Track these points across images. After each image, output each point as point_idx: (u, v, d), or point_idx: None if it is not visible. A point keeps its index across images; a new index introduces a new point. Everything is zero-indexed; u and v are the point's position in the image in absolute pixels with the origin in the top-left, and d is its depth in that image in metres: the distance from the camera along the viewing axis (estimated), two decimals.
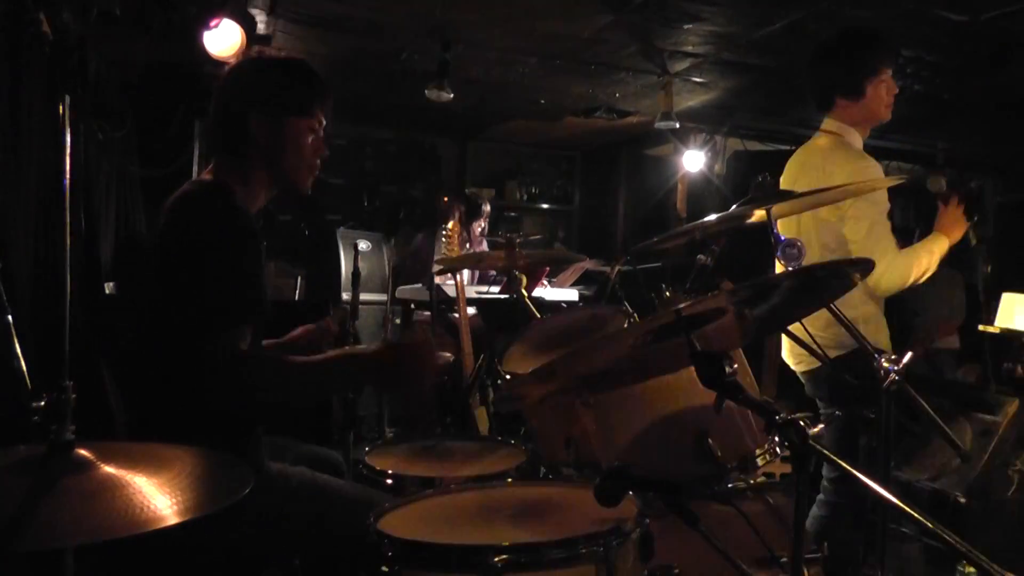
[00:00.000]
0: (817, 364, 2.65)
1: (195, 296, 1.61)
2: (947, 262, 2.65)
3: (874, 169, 2.55)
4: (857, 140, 2.64)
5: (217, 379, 1.58)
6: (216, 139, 1.84)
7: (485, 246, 5.19)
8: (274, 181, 1.84)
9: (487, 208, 5.18)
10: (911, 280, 2.50)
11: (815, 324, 2.44)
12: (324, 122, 1.86)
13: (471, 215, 4.94)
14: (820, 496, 2.74)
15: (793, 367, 2.85)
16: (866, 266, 1.66)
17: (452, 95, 4.29)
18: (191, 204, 1.71)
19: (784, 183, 2.74)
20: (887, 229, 2.50)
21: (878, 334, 2.67)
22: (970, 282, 4.49)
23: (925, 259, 2.51)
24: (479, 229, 5.11)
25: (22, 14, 2.40)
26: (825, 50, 2.70)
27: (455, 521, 1.52)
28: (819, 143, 2.70)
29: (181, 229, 1.69)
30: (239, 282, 1.63)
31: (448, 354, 2.76)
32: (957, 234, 2.55)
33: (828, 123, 2.68)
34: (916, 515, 1.05)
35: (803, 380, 2.85)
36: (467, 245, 4.95)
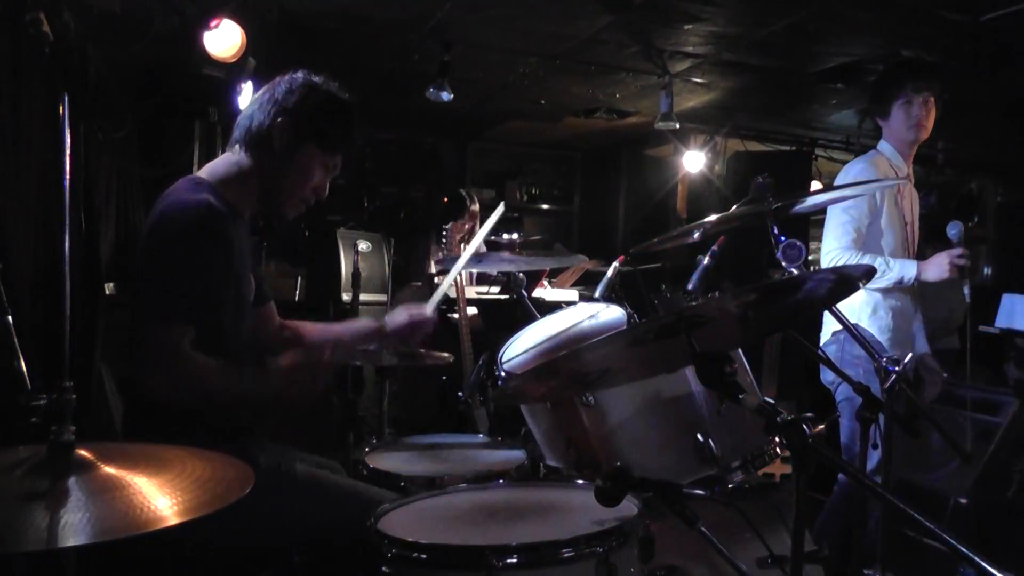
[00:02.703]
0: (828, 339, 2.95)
1: (146, 290, 1.65)
2: None
3: (860, 169, 2.88)
4: (894, 155, 2.96)
5: (154, 373, 1.60)
6: (239, 129, 1.85)
7: (480, 246, 5.13)
8: (263, 194, 1.84)
9: (475, 208, 5.09)
10: None
11: None
12: (337, 169, 1.89)
13: (455, 214, 4.85)
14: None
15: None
16: (869, 272, 1.67)
17: (452, 96, 4.29)
18: (166, 201, 1.73)
19: None
20: (847, 227, 2.82)
21: (875, 322, 2.86)
22: (971, 283, 4.50)
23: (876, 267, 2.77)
24: (466, 227, 5.02)
25: (22, 14, 2.40)
26: (873, 81, 3.17)
27: (455, 521, 1.52)
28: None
29: (150, 225, 1.72)
30: (187, 280, 1.64)
31: (447, 354, 2.76)
32: (930, 275, 2.77)
33: (880, 143, 3.04)
34: (916, 515, 1.05)
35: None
36: (463, 246, 4.92)
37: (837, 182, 2.99)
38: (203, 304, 1.65)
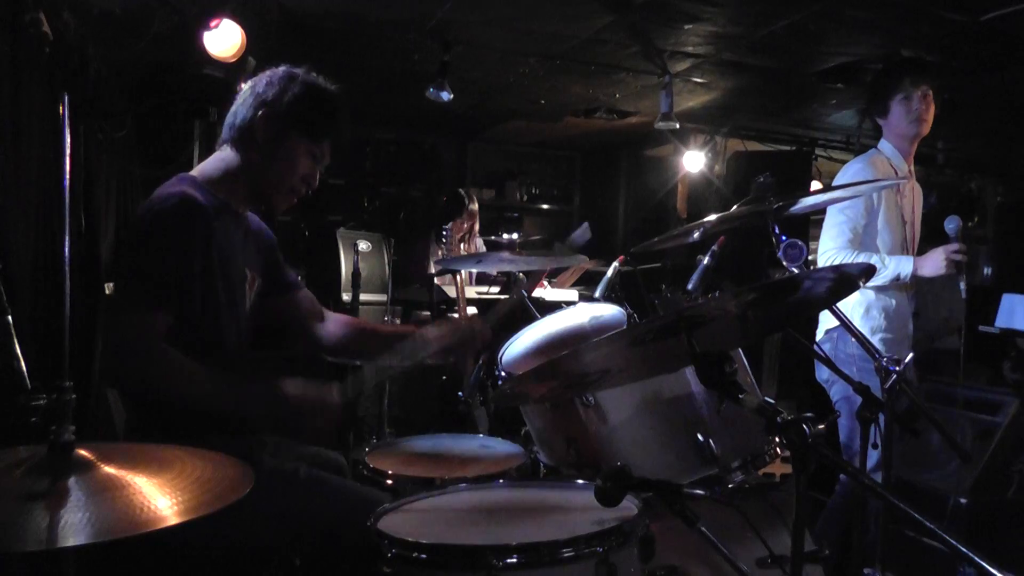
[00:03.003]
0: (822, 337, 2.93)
1: (119, 280, 1.67)
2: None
3: (860, 168, 2.88)
4: (894, 154, 2.94)
5: (123, 361, 1.59)
6: (226, 127, 1.86)
7: (479, 246, 5.16)
8: (253, 187, 1.85)
9: (473, 207, 5.09)
10: None
11: None
12: (325, 159, 1.88)
13: (455, 214, 4.86)
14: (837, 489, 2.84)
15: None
16: (869, 270, 1.67)
17: (452, 96, 4.29)
18: (153, 195, 1.74)
19: None
20: (843, 227, 2.81)
21: (868, 321, 2.86)
22: (971, 283, 4.49)
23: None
24: (464, 227, 5.03)
25: (22, 14, 2.40)
26: (869, 82, 3.15)
27: (455, 521, 1.51)
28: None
29: (135, 217, 1.75)
30: (157, 266, 1.63)
31: None
32: (926, 271, 2.75)
33: (880, 142, 3.01)
34: (916, 515, 1.05)
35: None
36: (462, 246, 4.94)
37: (836, 182, 2.99)
38: (174, 291, 1.64)
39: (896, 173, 2.90)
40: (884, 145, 2.97)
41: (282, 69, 1.86)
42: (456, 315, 3.78)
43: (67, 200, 1.86)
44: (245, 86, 1.88)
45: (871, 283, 2.80)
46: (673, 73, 4.57)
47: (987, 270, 6.82)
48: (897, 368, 1.96)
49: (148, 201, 1.72)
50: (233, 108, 1.86)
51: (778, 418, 1.16)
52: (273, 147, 1.81)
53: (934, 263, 2.71)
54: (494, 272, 4.22)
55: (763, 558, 1.52)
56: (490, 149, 7.26)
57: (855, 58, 4.15)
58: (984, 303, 4.16)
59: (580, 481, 1.69)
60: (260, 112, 1.79)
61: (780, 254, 1.96)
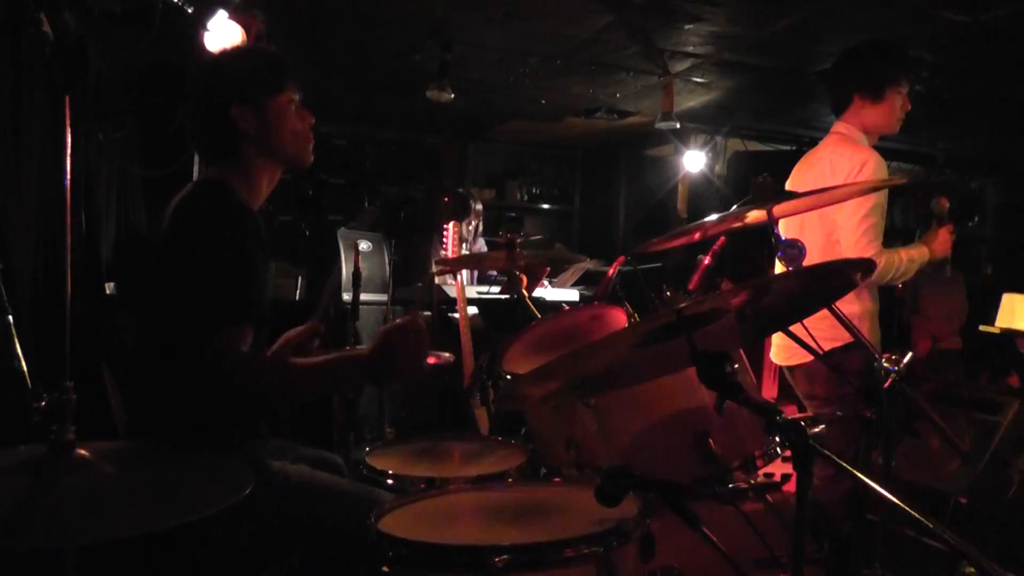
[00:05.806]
0: (811, 359, 2.66)
1: (194, 296, 1.61)
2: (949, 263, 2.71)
3: (877, 163, 2.61)
4: (865, 143, 2.70)
5: (216, 380, 1.58)
6: (206, 146, 1.87)
7: (481, 246, 5.17)
8: (276, 163, 1.86)
9: (478, 207, 5.11)
10: (886, 278, 2.61)
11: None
12: (298, 95, 1.88)
13: (460, 214, 4.88)
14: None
15: (782, 363, 2.86)
16: (867, 266, 1.67)
17: (452, 95, 4.29)
18: (193, 205, 1.72)
19: (791, 185, 2.80)
20: (876, 224, 2.56)
21: (873, 332, 2.70)
22: (972, 282, 4.49)
23: (904, 264, 2.63)
24: (470, 227, 5.05)
25: (22, 14, 2.40)
26: (853, 52, 2.79)
27: (455, 521, 1.52)
28: (827, 141, 2.78)
29: (182, 230, 1.70)
30: (237, 283, 1.63)
31: (448, 354, 2.76)
32: (941, 254, 2.66)
33: (839, 126, 2.75)
34: (916, 515, 1.05)
35: (793, 377, 2.85)
36: (464, 245, 4.95)
37: (853, 175, 2.61)
38: (258, 307, 1.66)
39: None
40: (853, 131, 2.71)
41: (203, 69, 1.89)
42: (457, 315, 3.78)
43: (67, 200, 1.86)
44: (190, 107, 1.88)
45: (907, 277, 2.68)
46: (674, 73, 4.58)
47: (987, 270, 6.83)
48: (896, 368, 1.96)
49: (205, 214, 1.69)
50: (200, 126, 1.86)
51: (778, 418, 1.16)
52: (264, 123, 1.81)
53: (944, 244, 2.64)
54: (494, 272, 4.23)
55: (763, 558, 1.52)
56: (490, 149, 7.27)
57: None
58: (984, 303, 4.16)
59: (580, 481, 1.69)
60: (231, 110, 1.79)
61: (779, 254, 1.96)
